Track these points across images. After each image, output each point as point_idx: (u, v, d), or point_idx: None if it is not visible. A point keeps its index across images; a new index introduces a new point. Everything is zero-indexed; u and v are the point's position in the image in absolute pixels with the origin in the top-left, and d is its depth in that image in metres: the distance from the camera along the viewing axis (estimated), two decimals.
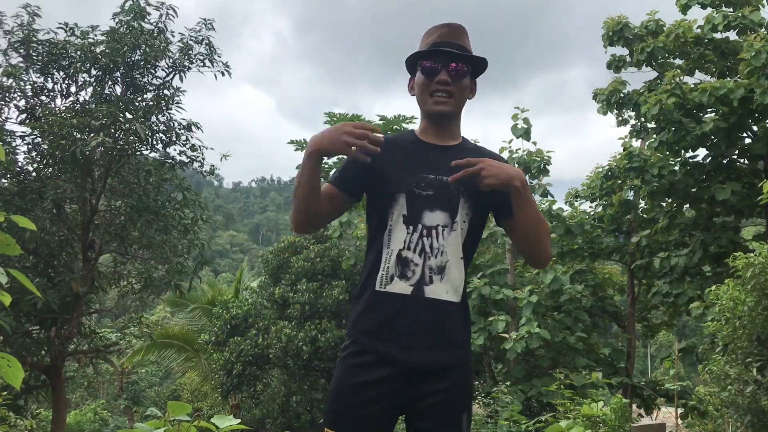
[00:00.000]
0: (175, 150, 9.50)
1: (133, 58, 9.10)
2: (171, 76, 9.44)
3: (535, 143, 11.22)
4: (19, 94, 9.14)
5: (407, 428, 2.15)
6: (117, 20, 9.20)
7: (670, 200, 11.78)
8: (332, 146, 1.98)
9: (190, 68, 9.42)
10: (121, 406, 20.41)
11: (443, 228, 2.09)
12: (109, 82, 9.28)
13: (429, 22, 2.26)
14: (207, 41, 9.41)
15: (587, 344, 10.90)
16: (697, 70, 11.67)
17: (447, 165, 2.12)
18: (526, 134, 11.03)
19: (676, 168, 11.12)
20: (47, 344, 9.10)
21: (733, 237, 10.91)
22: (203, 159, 9.61)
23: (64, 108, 9.14)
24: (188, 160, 9.53)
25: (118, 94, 9.27)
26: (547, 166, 11.17)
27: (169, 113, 9.34)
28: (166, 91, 9.41)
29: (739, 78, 10.30)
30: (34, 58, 9.02)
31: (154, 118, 9.26)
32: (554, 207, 11.59)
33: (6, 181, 9.10)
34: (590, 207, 12.72)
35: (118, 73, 9.23)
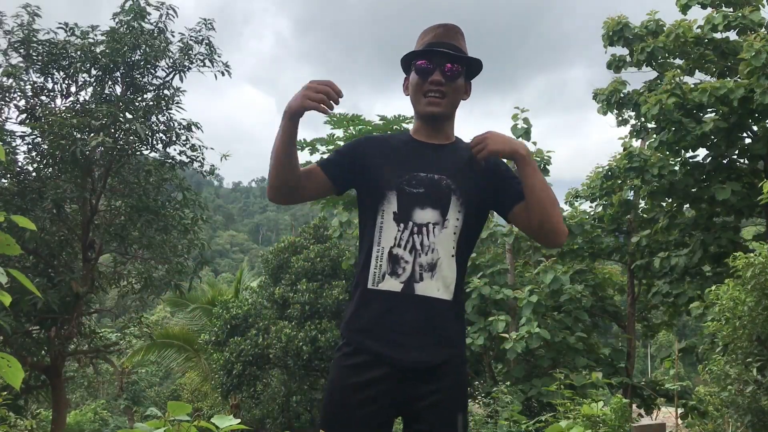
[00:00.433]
0: (175, 150, 9.52)
1: (133, 58, 9.10)
2: (171, 76, 9.44)
3: (535, 143, 11.22)
4: (19, 94, 9.14)
5: (404, 430, 2.14)
6: (117, 20, 9.20)
7: (670, 200, 11.78)
8: (296, 102, 2.00)
9: (190, 68, 9.43)
10: (121, 406, 20.42)
11: (434, 225, 2.09)
12: (109, 82, 9.29)
13: (429, 22, 2.27)
14: (207, 41, 9.42)
15: (587, 344, 10.89)
16: (697, 70, 11.67)
17: (439, 163, 2.14)
18: (526, 134, 11.03)
19: (676, 168, 11.11)
20: (47, 344, 9.10)
21: (733, 237, 10.91)
22: (203, 159, 9.62)
23: (64, 108, 9.14)
24: (188, 160, 9.54)
25: (118, 94, 9.27)
26: (547, 166, 11.16)
27: (169, 113, 9.35)
28: (166, 91, 9.41)
29: (739, 78, 10.30)
30: (34, 58, 9.03)
31: (154, 118, 9.27)
32: None
33: (6, 181, 9.10)
34: (590, 207, 12.73)
35: (118, 73, 9.23)
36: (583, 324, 10.97)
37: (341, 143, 11.29)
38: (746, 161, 11.06)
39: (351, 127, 12.05)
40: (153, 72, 9.42)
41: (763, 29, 10.62)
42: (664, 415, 14.28)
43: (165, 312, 25.06)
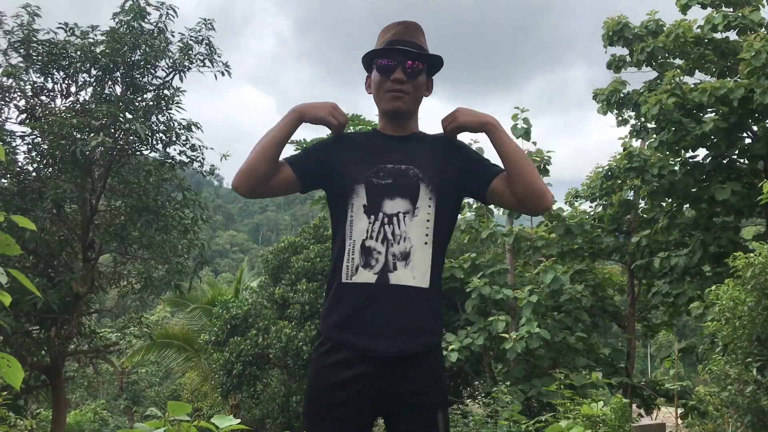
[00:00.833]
0: (175, 150, 9.51)
1: (133, 58, 9.09)
2: (171, 76, 9.44)
3: (535, 143, 11.23)
4: (19, 94, 9.13)
5: (386, 428, 2.15)
6: (117, 20, 9.19)
7: (670, 200, 11.78)
8: (321, 111, 2.17)
9: (190, 68, 9.42)
10: (121, 406, 20.42)
11: (404, 215, 2.10)
12: (109, 82, 9.28)
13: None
14: (207, 41, 9.40)
15: (587, 344, 10.89)
16: (697, 70, 11.67)
17: (405, 153, 2.17)
18: (526, 134, 11.03)
19: (676, 168, 11.12)
20: (47, 344, 9.10)
21: (733, 237, 10.91)
22: (203, 159, 9.61)
23: (64, 108, 9.14)
24: (188, 160, 9.53)
25: (118, 94, 9.27)
26: (547, 166, 11.17)
27: (169, 113, 9.34)
28: (166, 91, 9.40)
29: (739, 78, 10.30)
30: (34, 58, 9.02)
31: (154, 118, 9.26)
32: (554, 207, 11.59)
33: (6, 181, 9.09)
34: (590, 207, 12.73)
35: (118, 73, 9.22)
36: (583, 324, 10.98)
37: None
38: (746, 161, 11.06)
39: (351, 127, 12.06)
40: (153, 72, 9.41)
41: (763, 29, 10.62)
42: (664, 415, 14.29)
43: (165, 312, 25.06)
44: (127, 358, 17.77)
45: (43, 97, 9.28)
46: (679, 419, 12.23)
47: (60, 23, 9.16)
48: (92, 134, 8.41)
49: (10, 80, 8.96)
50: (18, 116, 9.17)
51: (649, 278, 12.03)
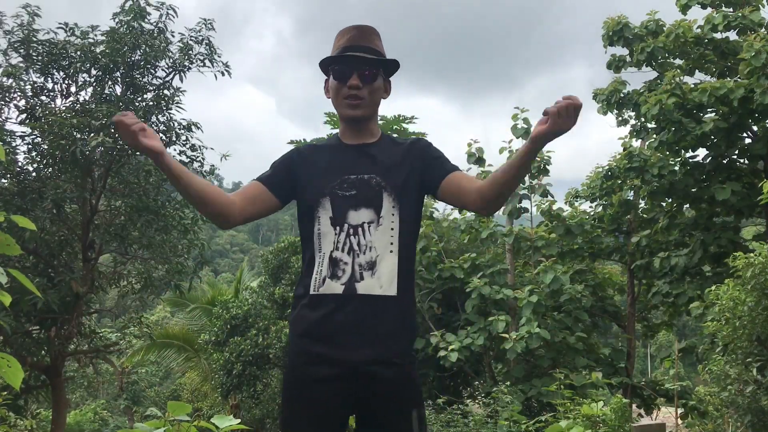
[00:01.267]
0: (175, 150, 9.50)
1: (133, 58, 9.09)
2: (171, 76, 9.44)
3: None
4: (19, 94, 9.13)
5: (357, 429, 2.18)
6: (117, 20, 9.19)
7: (670, 200, 11.78)
8: (131, 142, 1.92)
9: (190, 68, 9.42)
10: (121, 406, 20.42)
11: (369, 224, 2.13)
12: (109, 82, 9.28)
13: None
14: (207, 41, 9.40)
15: (587, 344, 10.89)
16: (697, 70, 11.67)
17: (368, 163, 2.19)
18: (526, 134, 11.03)
19: (676, 168, 11.12)
20: (47, 344, 9.10)
21: (733, 237, 10.91)
22: (203, 159, 9.61)
23: (64, 108, 9.13)
24: (188, 160, 9.52)
25: (118, 94, 9.27)
26: (547, 166, 11.17)
27: (169, 113, 9.34)
28: (166, 91, 9.41)
29: (739, 78, 10.31)
30: (34, 58, 9.02)
31: (154, 118, 9.26)
32: (554, 207, 11.59)
33: (6, 181, 9.09)
34: (590, 207, 12.73)
35: (118, 73, 9.22)
36: (583, 324, 10.98)
37: None
38: (746, 161, 11.07)
39: None
40: (153, 72, 9.41)
41: (763, 29, 10.62)
42: (664, 415, 14.28)
43: (165, 312, 25.06)
44: (127, 358, 17.77)
45: (43, 97, 9.28)
46: (679, 419, 12.23)
47: (60, 23, 9.17)
48: (92, 134, 8.41)
49: (10, 80, 8.96)
50: (18, 116, 9.18)
51: (649, 278, 12.03)
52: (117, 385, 20.21)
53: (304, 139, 12.00)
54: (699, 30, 11.11)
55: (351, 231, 2.13)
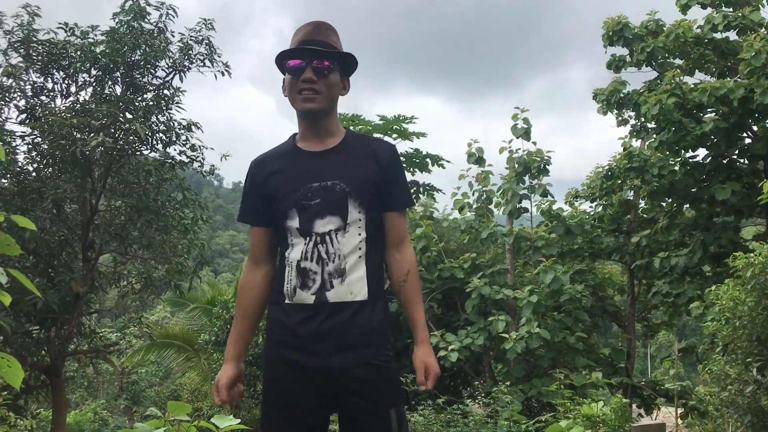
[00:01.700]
0: (175, 150, 9.50)
1: (133, 58, 9.09)
2: (171, 76, 9.43)
3: (535, 143, 11.22)
4: (19, 94, 9.13)
5: (340, 429, 2.21)
6: (117, 20, 9.19)
7: (670, 200, 11.78)
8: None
9: (190, 68, 9.41)
10: (121, 406, 20.41)
11: (336, 232, 2.14)
12: (109, 82, 9.27)
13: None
14: (207, 41, 9.40)
15: (587, 344, 10.89)
16: (697, 70, 11.67)
17: (330, 169, 2.18)
18: (526, 134, 11.03)
19: (676, 168, 11.11)
20: (47, 344, 9.09)
21: (733, 237, 10.91)
22: (203, 159, 9.60)
23: (64, 108, 9.13)
24: (188, 160, 9.52)
25: (118, 94, 9.26)
26: (547, 166, 11.16)
27: (169, 113, 9.33)
28: (166, 91, 9.40)
29: (739, 78, 10.31)
30: (34, 58, 9.01)
31: (154, 118, 9.25)
32: (554, 207, 11.59)
33: (6, 181, 9.09)
34: (590, 207, 12.72)
35: (118, 73, 9.22)
36: (583, 324, 10.97)
37: None
38: (746, 161, 11.06)
39: (351, 127, 12.05)
40: (153, 72, 9.41)
41: (763, 29, 10.62)
42: (664, 415, 14.28)
43: (165, 312, 25.05)
44: (127, 358, 17.74)
45: (43, 97, 9.28)
46: (679, 419, 12.22)
47: (60, 23, 9.17)
48: (92, 134, 8.41)
49: (10, 80, 8.95)
50: (18, 116, 9.17)
51: (649, 278, 12.03)
52: (117, 385, 20.20)
53: None
54: (699, 30, 11.10)
55: (318, 240, 2.13)
